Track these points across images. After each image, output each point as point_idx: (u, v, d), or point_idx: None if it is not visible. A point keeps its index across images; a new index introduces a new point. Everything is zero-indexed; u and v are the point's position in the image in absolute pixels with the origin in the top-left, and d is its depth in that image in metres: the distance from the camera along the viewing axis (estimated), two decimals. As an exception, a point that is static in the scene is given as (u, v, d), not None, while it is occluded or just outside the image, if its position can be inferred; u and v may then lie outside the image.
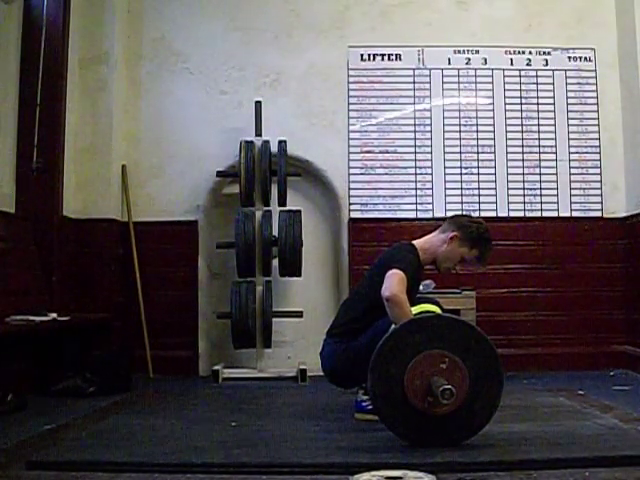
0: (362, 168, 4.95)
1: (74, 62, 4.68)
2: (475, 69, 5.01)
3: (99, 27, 4.81)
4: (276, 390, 4.11)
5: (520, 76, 5.01)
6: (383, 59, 5.01)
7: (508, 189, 4.94)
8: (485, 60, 5.01)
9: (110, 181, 4.78)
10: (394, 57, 5.01)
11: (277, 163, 4.63)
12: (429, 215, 4.91)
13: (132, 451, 2.43)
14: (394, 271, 2.78)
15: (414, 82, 5.00)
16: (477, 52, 5.01)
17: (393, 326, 2.60)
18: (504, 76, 5.01)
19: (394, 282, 2.73)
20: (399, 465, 2.14)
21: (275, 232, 4.58)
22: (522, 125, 4.98)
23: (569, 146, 4.97)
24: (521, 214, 4.94)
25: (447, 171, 4.95)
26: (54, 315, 3.84)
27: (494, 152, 4.96)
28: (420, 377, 2.40)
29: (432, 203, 4.93)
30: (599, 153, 4.97)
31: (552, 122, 4.98)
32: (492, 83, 5.01)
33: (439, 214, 4.85)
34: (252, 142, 4.66)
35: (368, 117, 4.99)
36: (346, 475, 2.07)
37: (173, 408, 3.41)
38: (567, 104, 4.99)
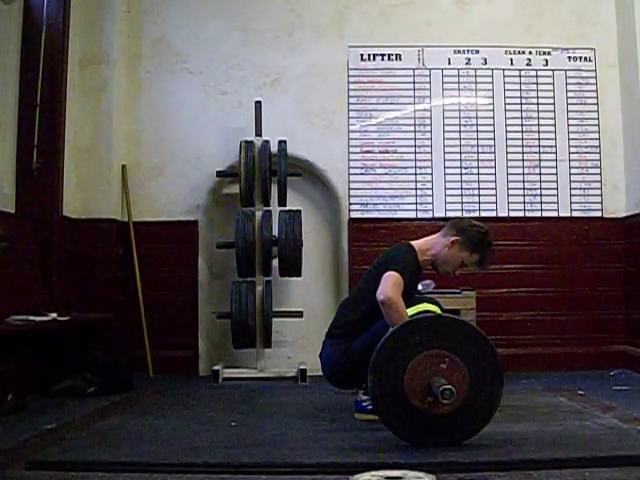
0: (362, 168, 4.95)
1: (74, 62, 4.68)
2: (475, 69, 5.01)
3: (99, 27, 4.82)
4: (276, 390, 4.11)
5: (520, 76, 5.01)
6: (383, 59, 5.01)
7: (508, 189, 4.94)
8: (485, 60, 5.01)
9: (110, 181, 4.79)
10: (394, 57, 5.01)
11: (277, 163, 4.63)
12: (429, 215, 4.91)
13: (132, 451, 2.43)
14: (390, 273, 2.78)
15: (414, 82, 5.00)
16: (477, 52, 5.01)
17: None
18: (504, 76, 5.01)
19: (389, 284, 2.74)
20: (399, 465, 2.14)
21: (275, 232, 4.58)
22: (522, 125, 4.98)
23: (569, 146, 4.97)
24: (521, 214, 4.93)
25: (447, 171, 4.95)
26: (54, 315, 3.85)
27: (494, 152, 4.96)
28: (420, 377, 2.40)
29: (432, 203, 4.93)
30: (599, 153, 4.97)
31: (552, 122, 4.98)
32: (492, 83, 5.01)
33: (439, 214, 4.86)
34: (252, 142, 4.65)
35: (368, 117, 4.99)
36: (346, 475, 2.07)
37: (173, 408, 3.41)
38: (567, 104, 4.99)
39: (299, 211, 4.66)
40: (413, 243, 3.06)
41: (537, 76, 5.01)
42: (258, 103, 4.73)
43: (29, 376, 3.81)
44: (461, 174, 4.95)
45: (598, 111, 4.98)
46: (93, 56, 4.80)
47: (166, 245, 4.91)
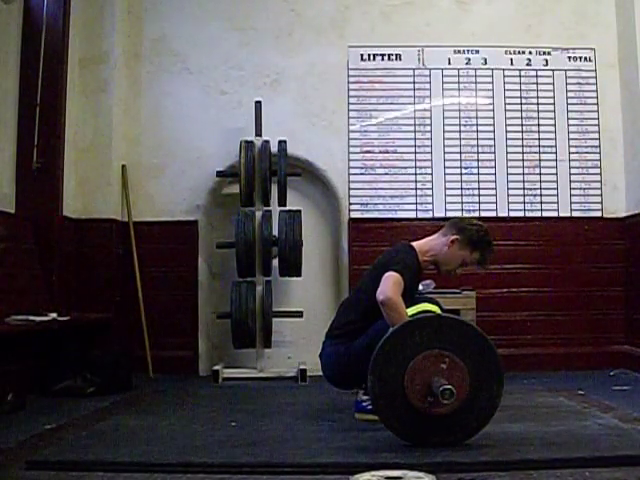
0: (362, 168, 4.95)
1: (74, 62, 4.68)
2: (475, 69, 5.01)
3: (99, 27, 4.82)
4: (276, 390, 4.11)
5: (520, 76, 5.00)
6: (383, 59, 5.01)
7: (508, 189, 4.94)
8: (485, 60, 5.01)
9: (110, 181, 4.78)
10: (394, 57, 5.01)
11: (277, 163, 4.63)
12: (429, 215, 4.91)
13: (132, 451, 2.43)
14: (390, 273, 2.78)
15: (414, 82, 5.00)
16: (477, 52, 5.01)
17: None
18: (504, 76, 5.01)
19: (389, 285, 2.74)
20: (399, 465, 2.14)
21: (275, 232, 4.58)
22: (522, 125, 4.98)
23: (569, 146, 4.97)
24: (521, 214, 4.93)
25: (447, 171, 4.95)
26: (54, 315, 3.84)
27: (494, 152, 4.96)
28: (420, 377, 2.40)
29: (432, 203, 4.93)
30: (599, 153, 4.97)
31: (552, 122, 4.98)
32: (492, 83, 5.01)
33: (439, 214, 4.85)
34: (252, 142, 4.65)
35: (368, 117, 4.99)
36: (346, 475, 2.07)
37: (173, 408, 3.41)
38: (567, 104, 4.98)
39: (299, 211, 4.66)
40: (414, 244, 3.07)
41: (537, 76, 5.01)
42: (258, 103, 4.73)
43: (29, 376, 3.81)
44: (461, 174, 4.95)
45: (598, 111, 4.98)
46: (93, 56, 4.80)
47: (166, 245, 4.91)
